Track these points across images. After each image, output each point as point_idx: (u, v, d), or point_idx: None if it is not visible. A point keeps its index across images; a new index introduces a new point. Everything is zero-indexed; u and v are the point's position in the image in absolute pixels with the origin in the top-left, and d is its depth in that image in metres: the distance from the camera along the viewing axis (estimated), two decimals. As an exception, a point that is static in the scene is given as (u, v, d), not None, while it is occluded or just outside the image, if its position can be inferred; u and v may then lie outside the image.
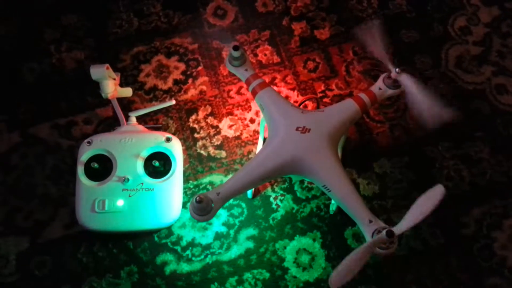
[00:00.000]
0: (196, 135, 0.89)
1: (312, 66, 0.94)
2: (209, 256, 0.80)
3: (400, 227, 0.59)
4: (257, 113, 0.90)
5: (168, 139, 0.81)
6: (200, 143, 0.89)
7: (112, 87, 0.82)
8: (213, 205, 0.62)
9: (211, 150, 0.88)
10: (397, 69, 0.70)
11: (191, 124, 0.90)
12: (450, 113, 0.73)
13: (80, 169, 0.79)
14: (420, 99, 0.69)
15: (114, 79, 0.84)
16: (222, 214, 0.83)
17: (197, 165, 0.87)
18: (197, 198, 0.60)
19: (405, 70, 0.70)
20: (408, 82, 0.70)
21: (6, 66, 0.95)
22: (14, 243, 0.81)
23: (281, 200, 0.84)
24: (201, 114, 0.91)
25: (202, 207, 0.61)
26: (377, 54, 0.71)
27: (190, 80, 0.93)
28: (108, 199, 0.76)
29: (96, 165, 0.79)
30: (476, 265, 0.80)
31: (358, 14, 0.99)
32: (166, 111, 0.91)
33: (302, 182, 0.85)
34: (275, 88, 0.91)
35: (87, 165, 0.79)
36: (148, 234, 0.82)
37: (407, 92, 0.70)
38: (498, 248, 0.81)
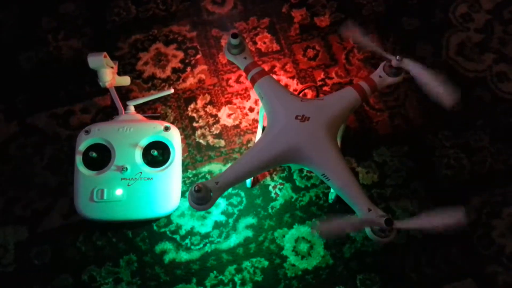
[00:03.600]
0: (195, 124, 0.89)
1: (312, 54, 0.94)
2: (208, 244, 0.80)
3: (402, 223, 0.59)
4: (256, 102, 0.90)
5: (166, 128, 0.80)
6: (199, 132, 0.88)
7: (110, 75, 0.82)
8: (212, 194, 0.62)
9: (210, 139, 0.88)
10: (397, 57, 0.69)
11: (189, 113, 0.89)
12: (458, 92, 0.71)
13: (79, 159, 0.79)
14: (431, 78, 0.67)
15: (112, 67, 0.83)
16: (221, 203, 0.83)
17: (196, 154, 0.87)
18: (196, 187, 0.60)
19: (406, 56, 0.69)
20: (412, 66, 0.69)
21: (4, 55, 0.94)
22: (13, 233, 0.81)
23: (280, 189, 0.84)
24: (200, 103, 0.90)
25: (201, 196, 0.61)
26: (369, 48, 0.70)
27: (188, 69, 0.93)
28: (107, 188, 0.76)
29: (94, 154, 0.78)
30: (475, 253, 0.80)
31: (359, 1, 0.97)
32: (164, 100, 0.90)
33: (301, 171, 0.85)
34: (274, 76, 0.90)
35: (86, 154, 0.79)
36: (147, 223, 0.82)
37: (414, 76, 0.69)
38: (497, 236, 0.81)
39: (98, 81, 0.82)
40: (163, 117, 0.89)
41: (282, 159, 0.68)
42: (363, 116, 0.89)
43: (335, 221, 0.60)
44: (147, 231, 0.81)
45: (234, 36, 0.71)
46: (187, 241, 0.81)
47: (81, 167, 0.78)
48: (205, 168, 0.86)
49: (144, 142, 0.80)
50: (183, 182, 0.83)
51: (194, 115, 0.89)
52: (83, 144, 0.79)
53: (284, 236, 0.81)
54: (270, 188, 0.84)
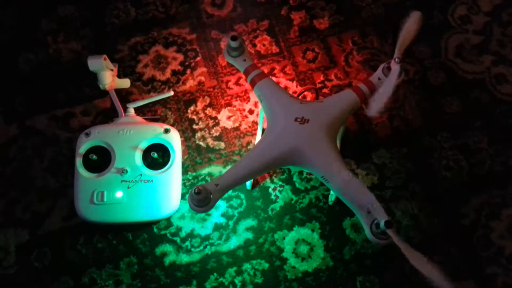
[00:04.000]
0: (194, 126, 0.89)
1: (311, 56, 0.94)
2: (208, 247, 0.81)
3: (383, 213, 0.60)
4: (255, 104, 0.90)
5: (166, 131, 0.81)
6: (198, 134, 0.88)
7: (110, 78, 0.82)
8: (212, 196, 0.62)
9: (209, 141, 0.88)
10: (397, 58, 0.70)
11: (189, 115, 0.90)
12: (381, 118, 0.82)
13: (79, 161, 0.79)
14: (387, 92, 0.68)
15: (112, 70, 0.84)
16: (221, 205, 0.83)
17: (196, 156, 0.87)
18: (196, 189, 0.60)
19: (402, 63, 0.69)
20: (395, 74, 0.69)
21: (3, 57, 0.94)
22: (13, 235, 0.81)
23: (280, 191, 0.84)
24: (199, 105, 0.90)
25: (200, 199, 0.61)
26: (401, 38, 0.70)
27: (188, 71, 0.93)
28: (107, 190, 0.76)
29: (94, 156, 0.78)
30: (474, 255, 0.80)
31: (358, 3, 0.98)
32: (164, 102, 0.90)
33: (301, 173, 0.85)
34: (274, 78, 0.91)
35: (86, 156, 0.79)
36: (147, 226, 0.82)
37: (386, 80, 0.70)
38: (496, 238, 0.81)
39: (98, 83, 0.82)
40: (163, 120, 0.89)
41: (282, 161, 0.68)
42: (362, 118, 0.89)
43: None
44: (147, 234, 0.81)
45: (234, 38, 0.71)
46: (187, 243, 0.81)
47: (81, 170, 0.78)
48: (205, 170, 0.86)
49: (144, 144, 0.80)
50: (183, 184, 0.84)
51: (194, 117, 0.89)
52: (83, 147, 0.79)
53: (284, 238, 0.81)
54: (270, 190, 0.84)
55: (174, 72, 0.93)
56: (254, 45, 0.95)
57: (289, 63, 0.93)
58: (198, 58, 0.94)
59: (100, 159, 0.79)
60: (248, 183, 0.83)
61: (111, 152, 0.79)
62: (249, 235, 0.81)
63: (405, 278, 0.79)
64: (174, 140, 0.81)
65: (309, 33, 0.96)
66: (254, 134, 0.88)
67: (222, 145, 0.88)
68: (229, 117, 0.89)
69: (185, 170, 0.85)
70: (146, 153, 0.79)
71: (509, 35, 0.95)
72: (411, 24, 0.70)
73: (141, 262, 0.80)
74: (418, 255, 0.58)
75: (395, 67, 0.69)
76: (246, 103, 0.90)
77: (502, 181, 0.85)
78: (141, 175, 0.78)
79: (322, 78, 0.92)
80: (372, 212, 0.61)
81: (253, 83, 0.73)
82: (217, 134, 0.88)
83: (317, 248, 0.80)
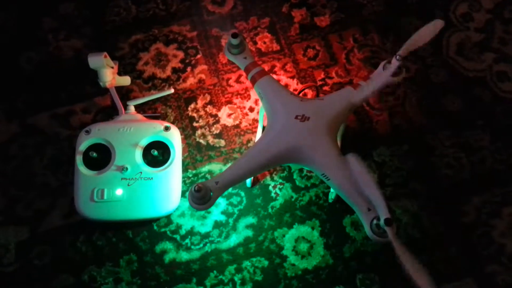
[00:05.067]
0: (195, 124, 0.89)
1: (312, 54, 0.94)
2: (208, 244, 0.81)
3: (385, 210, 0.59)
4: (256, 102, 0.90)
5: (166, 128, 0.81)
6: (199, 132, 0.88)
7: (110, 75, 0.82)
8: (212, 194, 0.62)
9: (210, 139, 0.88)
10: (398, 56, 0.69)
11: (190, 113, 0.90)
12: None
13: (79, 159, 0.79)
14: (377, 86, 0.70)
15: (112, 67, 0.84)
16: (221, 202, 0.83)
17: (196, 154, 0.87)
18: (196, 187, 0.60)
19: (402, 61, 0.69)
20: (391, 70, 0.69)
21: (4, 55, 0.94)
22: (13, 233, 0.81)
23: (280, 189, 0.84)
24: (200, 103, 0.90)
25: (200, 196, 0.61)
26: (412, 39, 0.70)
27: (189, 69, 0.93)
28: (107, 188, 0.76)
29: (94, 154, 0.78)
30: (475, 253, 0.80)
31: (359, 1, 0.97)
32: (164, 100, 0.90)
33: (301, 170, 0.85)
34: (274, 76, 0.91)
35: (86, 154, 0.79)
36: (147, 223, 0.82)
37: (383, 73, 0.70)
38: (497, 236, 0.81)
39: (98, 81, 0.82)
40: (163, 117, 0.89)
41: (282, 159, 0.68)
42: (363, 116, 0.89)
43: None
44: (147, 231, 0.81)
45: (234, 36, 0.71)
46: (187, 241, 0.81)
47: (81, 167, 0.78)
48: (205, 168, 0.86)
49: (144, 142, 0.80)
50: (183, 182, 0.83)
51: (194, 115, 0.89)
52: (83, 144, 0.79)
53: (284, 235, 0.81)
54: (270, 187, 0.84)
55: (174, 70, 0.93)
56: (255, 43, 0.95)
57: (289, 61, 0.93)
58: (199, 56, 0.94)
59: (100, 157, 0.79)
60: (248, 181, 0.83)
61: (111, 150, 0.79)
62: (249, 233, 0.81)
63: (405, 275, 0.78)
64: (174, 137, 0.81)
65: (310, 30, 0.95)
66: (254, 132, 0.88)
67: (223, 142, 0.87)
68: (229, 115, 0.89)
69: (185, 168, 0.85)
70: (146, 151, 0.79)
71: (511, 33, 0.95)
72: (431, 30, 0.69)
73: (141, 260, 0.80)
74: (411, 257, 0.58)
75: (394, 64, 0.69)
76: (247, 101, 0.90)
77: (503, 180, 0.84)
78: (141, 172, 0.78)
79: (322, 76, 0.92)
80: (376, 208, 0.61)
81: (253, 81, 0.73)
82: (218, 131, 0.88)
83: (317, 246, 0.80)
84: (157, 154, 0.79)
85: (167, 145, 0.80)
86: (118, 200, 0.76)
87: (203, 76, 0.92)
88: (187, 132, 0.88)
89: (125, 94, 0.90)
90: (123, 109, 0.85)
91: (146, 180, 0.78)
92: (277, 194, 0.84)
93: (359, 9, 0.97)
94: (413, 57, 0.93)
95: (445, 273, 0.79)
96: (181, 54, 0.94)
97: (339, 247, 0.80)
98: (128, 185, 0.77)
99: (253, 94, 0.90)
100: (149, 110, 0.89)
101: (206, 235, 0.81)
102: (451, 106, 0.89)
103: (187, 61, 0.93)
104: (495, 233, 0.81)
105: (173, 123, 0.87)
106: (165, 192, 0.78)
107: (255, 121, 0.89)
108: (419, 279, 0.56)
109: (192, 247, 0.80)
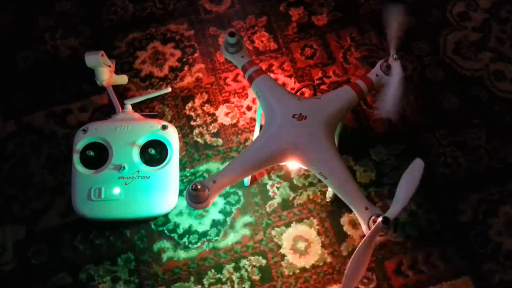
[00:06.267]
0: (192, 123, 0.89)
1: (309, 53, 0.94)
2: (206, 243, 0.81)
3: (394, 211, 0.59)
4: (253, 101, 0.90)
5: (164, 127, 0.80)
6: (196, 130, 0.88)
7: (107, 74, 0.82)
8: (209, 193, 0.62)
9: (207, 137, 0.88)
10: (394, 55, 0.70)
11: (187, 112, 0.89)
12: (398, 117, 0.84)
13: (76, 157, 0.79)
14: (394, 91, 0.69)
15: (109, 66, 0.83)
16: (219, 201, 0.83)
17: (193, 153, 0.87)
18: (193, 186, 0.60)
19: (401, 58, 0.69)
20: (397, 70, 0.69)
21: (0, 54, 0.94)
22: (11, 232, 0.81)
23: (277, 188, 0.84)
24: (197, 102, 0.90)
25: (198, 195, 0.61)
26: (390, 35, 0.69)
27: (186, 67, 0.92)
28: (104, 187, 0.76)
29: (91, 153, 0.78)
30: (472, 252, 0.80)
31: (356, 0, 0.97)
32: (162, 98, 0.90)
33: (298, 169, 0.85)
34: (272, 75, 0.91)
35: (83, 153, 0.79)
36: (145, 222, 0.82)
37: (390, 79, 0.71)
38: (494, 235, 0.81)
39: (95, 79, 0.82)
40: (160, 116, 0.89)
41: (280, 158, 0.68)
42: (360, 115, 0.89)
43: (351, 268, 0.61)
44: (145, 230, 0.81)
45: (232, 34, 0.71)
46: (185, 239, 0.81)
47: (78, 166, 0.78)
48: (203, 167, 0.86)
49: (142, 140, 0.80)
50: (181, 180, 0.83)
51: (192, 113, 0.89)
52: (80, 143, 0.79)
53: (281, 234, 0.81)
54: (268, 186, 0.84)
55: (172, 69, 0.92)
56: (252, 42, 0.95)
57: (287, 60, 0.93)
58: (196, 55, 0.93)
59: (98, 156, 0.79)
60: (246, 180, 0.83)
61: (109, 149, 0.79)
62: (247, 232, 0.81)
63: (402, 274, 0.79)
64: (171, 136, 0.81)
65: (308, 29, 0.95)
66: (252, 131, 0.88)
67: (220, 141, 0.87)
68: (227, 114, 0.89)
69: (182, 167, 0.85)
70: (144, 150, 0.79)
71: (508, 32, 0.95)
72: (393, 18, 0.69)
73: (139, 259, 0.80)
74: (365, 258, 0.60)
75: (395, 63, 0.69)
76: (244, 100, 0.90)
77: (500, 178, 0.85)
78: (138, 171, 0.78)
79: (320, 75, 0.92)
80: (392, 203, 0.61)
81: (251, 80, 0.73)
82: (215, 130, 0.88)
83: (314, 244, 0.80)
84: (154, 153, 0.79)
85: (165, 144, 0.80)
86: (116, 199, 0.76)
87: (200, 75, 0.92)
88: (185, 131, 0.88)
89: (122, 92, 0.90)
90: (120, 108, 0.84)
91: (144, 179, 0.77)
92: (274, 193, 0.84)
93: (357, 8, 0.97)
94: (410, 57, 0.93)
95: (442, 272, 0.79)
96: (178, 53, 0.94)
97: (337, 245, 0.80)
98: (126, 184, 0.77)
99: (251, 93, 0.90)
100: (147, 109, 0.89)
101: (204, 234, 0.81)
102: (448, 105, 0.90)
103: (184, 59, 0.93)
104: (492, 231, 0.81)
105: (170, 122, 0.87)
106: (162, 191, 0.78)
107: (253, 120, 0.89)
108: (351, 275, 0.60)
109: (190, 246, 0.80)
